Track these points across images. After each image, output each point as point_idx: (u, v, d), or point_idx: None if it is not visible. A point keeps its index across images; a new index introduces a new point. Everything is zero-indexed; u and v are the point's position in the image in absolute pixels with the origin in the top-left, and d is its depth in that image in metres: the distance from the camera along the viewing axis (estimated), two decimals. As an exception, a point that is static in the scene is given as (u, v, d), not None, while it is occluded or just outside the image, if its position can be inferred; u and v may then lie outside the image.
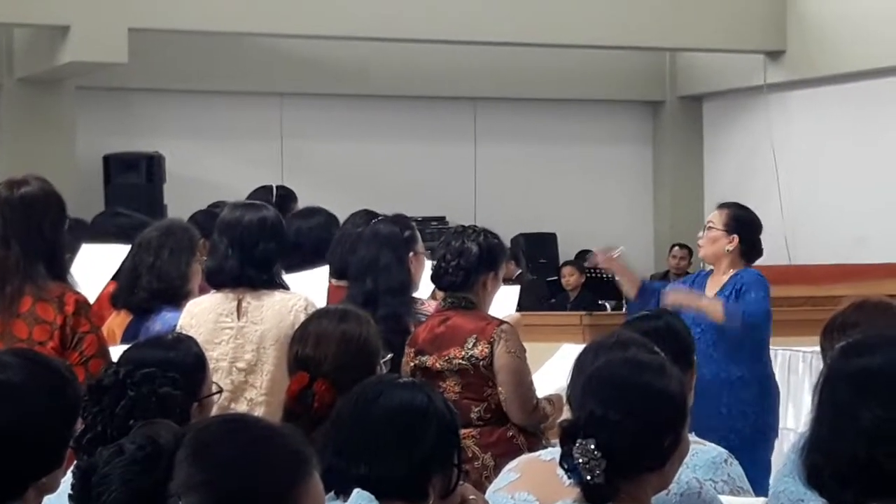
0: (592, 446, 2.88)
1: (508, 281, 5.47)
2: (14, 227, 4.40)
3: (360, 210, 6.17)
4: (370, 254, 5.57)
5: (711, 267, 6.68)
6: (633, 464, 2.93)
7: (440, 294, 5.51)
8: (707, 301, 6.39)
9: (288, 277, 5.32)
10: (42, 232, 4.41)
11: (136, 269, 5.41)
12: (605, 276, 13.61)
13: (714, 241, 6.55)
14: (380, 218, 5.83)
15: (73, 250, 5.57)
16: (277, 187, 7.40)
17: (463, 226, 5.50)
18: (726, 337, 6.40)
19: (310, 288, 5.47)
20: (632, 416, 2.92)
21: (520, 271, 13.22)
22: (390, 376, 3.57)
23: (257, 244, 5.08)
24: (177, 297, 5.33)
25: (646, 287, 6.70)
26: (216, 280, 5.18)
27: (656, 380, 3.01)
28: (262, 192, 7.19)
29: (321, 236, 6.08)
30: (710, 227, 6.57)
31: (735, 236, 6.51)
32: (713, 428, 5.85)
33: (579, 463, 2.89)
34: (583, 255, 14.52)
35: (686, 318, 6.08)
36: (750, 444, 6.20)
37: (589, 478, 2.90)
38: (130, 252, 5.49)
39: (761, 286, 6.43)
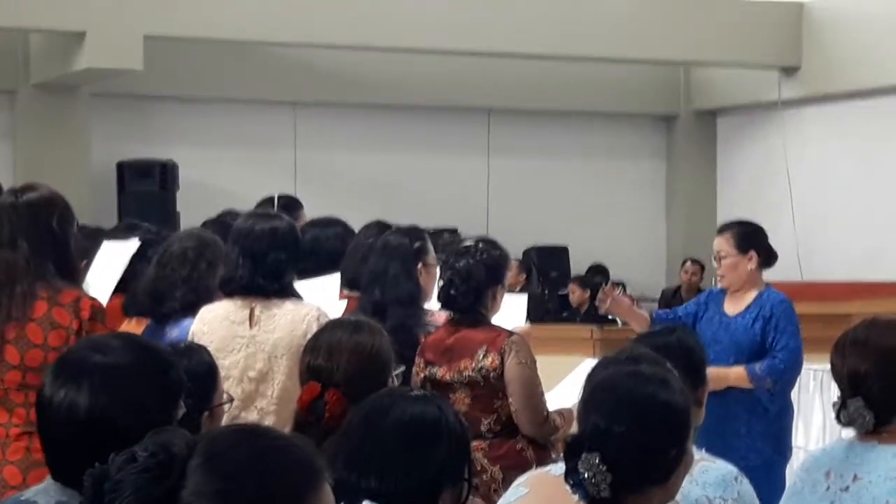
0: (597, 460, 2.87)
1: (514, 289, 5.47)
2: (21, 228, 4.37)
3: (372, 221, 6.18)
4: (379, 265, 5.58)
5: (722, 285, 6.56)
6: (639, 477, 2.92)
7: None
8: (724, 372, 6.15)
9: (299, 284, 5.32)
10: (51, 231, 4.38)
11: (164, 279, 5.36)
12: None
13: (735, 268, 6.36)
14: (392, 229, 5.83)
15: (89, 257, 5.56)
16: (279, 197, 7.38)
17: (465, 245, 5.45)
18: (745, 357, 6.31)
19: (320, 295, 5.47)
20: (636, 428, 2.91)
21: (523, 282, 13.17)
22: (402, 389, 3.57)
23: (268, 254, 5.09)
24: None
25: (655, 321, 6.54)
26: (228, 288, 5.19)
27: (660, 392, 2.99)
28: (266, 203, 7.18)
29: (337, 247, 6.09)
30: (722, 257, 6.39)
31: (752, 252, 6.40)
32: (733, 447, 5.80)
33: (584, 478, 2.88)
34: (592, 270, 14.52)
35: (705, 335, 6.03)
36: (769, 463, 6.15)
37: (595, 492, 2.89)
38: (154, 262, 5.44)
39: (790, 318, 6.26)
